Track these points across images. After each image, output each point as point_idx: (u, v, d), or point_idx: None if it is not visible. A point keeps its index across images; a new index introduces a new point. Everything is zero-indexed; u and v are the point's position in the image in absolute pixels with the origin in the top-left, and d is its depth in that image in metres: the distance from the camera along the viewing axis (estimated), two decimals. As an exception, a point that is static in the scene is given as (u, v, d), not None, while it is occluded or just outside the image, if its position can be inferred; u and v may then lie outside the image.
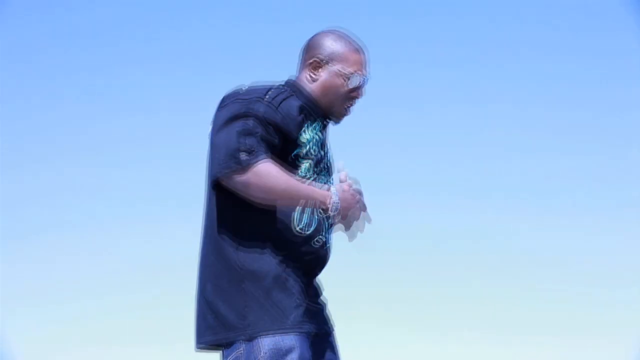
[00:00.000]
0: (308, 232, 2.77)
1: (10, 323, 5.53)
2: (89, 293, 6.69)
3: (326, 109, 2.87)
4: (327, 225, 2.83)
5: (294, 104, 2.78)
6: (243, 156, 2.64)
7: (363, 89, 2.87)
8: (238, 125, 2.68)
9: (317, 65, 2.86)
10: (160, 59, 7.30)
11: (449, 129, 7.40)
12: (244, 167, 2.63)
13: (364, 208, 2.80)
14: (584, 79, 7.25)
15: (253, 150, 2.64)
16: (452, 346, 6.53)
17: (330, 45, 2.86)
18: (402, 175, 7.22)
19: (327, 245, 2.84)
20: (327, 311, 2.91)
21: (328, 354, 2.86)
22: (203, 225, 2.84)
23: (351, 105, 2.88)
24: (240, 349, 2.69)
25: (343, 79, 2.85)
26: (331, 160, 2.94)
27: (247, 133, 2.67)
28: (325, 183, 2.84)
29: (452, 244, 7.05)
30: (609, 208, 7.00)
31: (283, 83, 2.87)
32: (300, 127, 2.77)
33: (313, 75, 2.87)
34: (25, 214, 6.88)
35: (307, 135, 2.79)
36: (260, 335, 2.66)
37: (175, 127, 7.03)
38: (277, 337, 2.66)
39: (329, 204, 2.70)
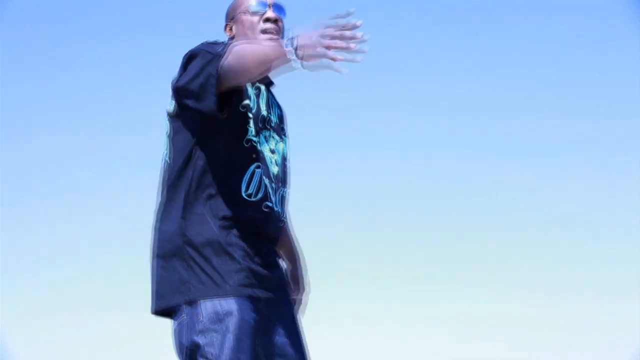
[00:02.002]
0: (256, 198, 2.75)
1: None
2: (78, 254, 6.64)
3: None
4: (274, 192, 2.82)
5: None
6: (218, 49, 2.65)
7: (267, 10, 2.92)
8: (202, 51, 2.69)
9: (229, 27, 2.98)
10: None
11: (452, 90, 7.31)
12: (225, 52, 2.62)
13: (340, 44, 2.47)
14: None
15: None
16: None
17: (230, 6, 3.00)
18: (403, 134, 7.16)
19: (276, 209, 2.82)
20: (285, 277, 2.90)
21: (284, 320, 2.82)
22: (160, 187, 2.85)
23: (269, 29, 2.90)
24: (184, 314, 2.69)
25: (248, 14, 2.93)
26: (281, 122, 2.95)
27: (214, 51, 2.66)
28: (275, 142, 2.86)
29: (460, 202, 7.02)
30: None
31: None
32: None
33: (231, 34, 2.96)
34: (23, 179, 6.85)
35: (245, 89, 2.80)
36: (200, 300, 2.66)
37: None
38: (215, 301, 2.65)
39: (287, 49, 2.52)
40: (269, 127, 2.86)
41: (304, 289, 3.08)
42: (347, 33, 2.43)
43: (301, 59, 2.48)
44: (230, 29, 2.96)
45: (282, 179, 2.88)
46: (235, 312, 2.64)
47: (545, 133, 7.23)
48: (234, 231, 2.71)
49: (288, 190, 2.93)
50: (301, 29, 2.50)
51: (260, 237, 2.78)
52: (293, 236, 3.11)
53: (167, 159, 2.81)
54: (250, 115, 2.78)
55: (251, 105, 2.79)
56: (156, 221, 2.80)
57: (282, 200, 2.87)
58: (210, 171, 2.73)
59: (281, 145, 2.91)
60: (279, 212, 2.84)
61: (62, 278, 6.55)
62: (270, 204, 2.79)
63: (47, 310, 6.29)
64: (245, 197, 2.73)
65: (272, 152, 2.85)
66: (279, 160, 2.88)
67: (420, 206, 6.98)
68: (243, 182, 2.74)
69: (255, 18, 2.90)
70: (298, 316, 2.93)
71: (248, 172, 2.75)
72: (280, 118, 2.96)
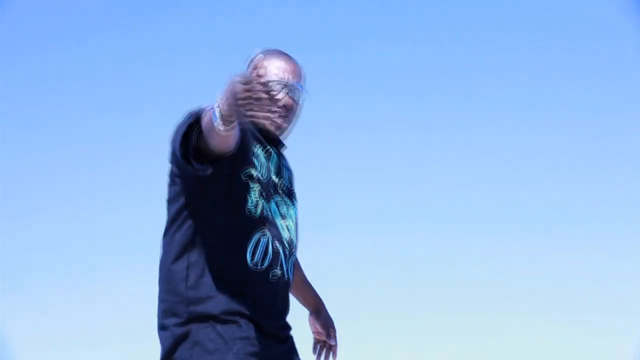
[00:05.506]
0: (262, 267, 2.68)
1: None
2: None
3: (260, 125, 2.75)
4: (283, 257, 2.74)
5: None
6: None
7: (280, 92, 2.77)
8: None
9: None
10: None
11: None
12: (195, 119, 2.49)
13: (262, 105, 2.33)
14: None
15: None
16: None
17: (250, 61, 2.85)
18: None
19: (286, 277, 2.76)
20: (290, 345, 2.82)
21: None
22: (161, 252, 2.76)
23: (278, 112, 2.73)
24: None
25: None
26: (291, 186, 2.90)
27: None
28: (287, 207, 2.81)
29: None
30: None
31: None
32: (250, 141, 2.70)
33: None
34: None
35: (257, 155, 2.73)
36: None
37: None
38: None
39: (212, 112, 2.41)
40: (280, 192, 2.81)
41: (335, 330, 3.09)
42: (257, 91, 2.30)
43: (224, 122, 2.37)
44: None
45: (295, 245, 2.82)
46: None
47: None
48: (243, 302, 2.64)
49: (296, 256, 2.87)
50: (222, 92, 2.37)
51: (270, 307, 2.72)
52: (309, 282, 3.10)
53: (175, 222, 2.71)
54: (253, 185, 2.69)
55: (257, 174, 2.71)
56: (160, 289, 2.73)
57: (294, 265, 2.82)
58: (209, 244, 2.66)
59: (292, 210, 2.85)
60: (288, 278, 2.76)
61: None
62: (278, 272, 2.72)
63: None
64: (252, 266, 2.65)
65: (284, 217, 2.79)
66: (291, 225, 2.82)
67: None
68: (247, 252, 2.65)
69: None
70: None
71: (251, 241, 2.67)
72: (291, 182, 2.91)
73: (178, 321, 2.65)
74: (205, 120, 2.44)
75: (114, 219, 6.85)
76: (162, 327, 2.69)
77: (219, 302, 2.63)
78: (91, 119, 7.14)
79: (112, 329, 6.31)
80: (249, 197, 2.68)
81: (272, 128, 2.78)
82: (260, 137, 2.77)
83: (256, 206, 2.69)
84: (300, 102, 2.85)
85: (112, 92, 7.21)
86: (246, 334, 2.64)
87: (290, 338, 2.84)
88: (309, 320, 3.14)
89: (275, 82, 2.77)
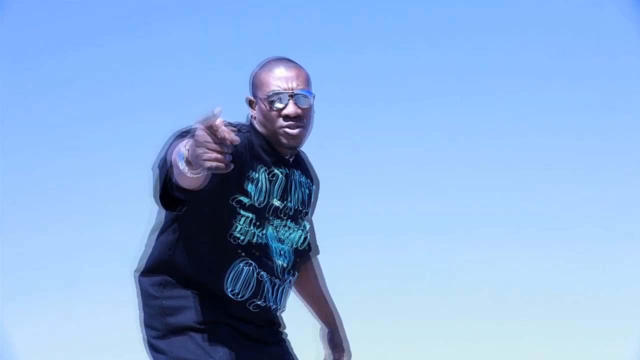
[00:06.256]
0: (242, 298, 2.63)
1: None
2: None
3: (273, 141, 2.72)
4: (269, 287, 2.68)
5: (242, 139, 2.52)
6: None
7: (288, 105, 2.68)
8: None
9: (252, 104, 2.76)
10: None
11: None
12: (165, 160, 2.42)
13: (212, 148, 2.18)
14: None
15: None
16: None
17: (253, 78, 2.76)
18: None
19: (272, 306, 2.70)
20: (284, 348, 2.77)
21: None
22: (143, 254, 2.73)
23: (290, 125, 2.68)
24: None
25: (266, 103, 2.69)
26: (301, 206, 2.82)
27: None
28: (288, 231, 2.75)
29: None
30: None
31: (244, 124, 2.74)
32: (247, 165, 2.63)
33: (253, 113, 2.75)
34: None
35: (255, 179, 2.65)
36: None
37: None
38: None
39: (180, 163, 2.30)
40: (281, 216, 2.72)
41: (349, 353, 3.00)
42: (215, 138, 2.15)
43: (190, 167, 2.27)
44: (253, 107, 2.75)
45: (289, 270, 2.75)
46: None
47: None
48: (220, 320, 2.61)
49: (294, 277, 2.79)
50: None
51: (249, 323, 2.67)
52: (329, 299, 3.01)
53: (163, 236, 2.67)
54: (243, 212, 2.62)
55: (249, 201, 2.62)
56: (138, 292, 2.71)
57: (284, 292, 2.74)
58: (190, 260, 2.60)
59: (295, 233, 2.78)
60: (275, 307, 2.71)
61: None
62: (261, 304, 2.66)
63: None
64: (231, 296, 2.60)
65: (282, 241, 2.73)
66: (288, 250, 2.75)
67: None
68: (226, 280, 2.59)
69: (274, 113, 2.67)
70: None
71: (232, 269, 2.61)
72: (302, 201, 2.81)
73: (157, 334, 2.63)
74: (173, 159, 2.33)
75: (117, 225, 6.86)
76: (144, 340, 2.67)
77: (196, 313, 2.60)
78: (94, 125, 7.16)
79: (115, 337, 6.32)
80: (235, 224, 2.61)
81: (287, 141, 2.69)
82: (265, 158, 2.70)
83: (244, 233, 2.62)
84: (310, 107, 2.72)
85: (114, 98, 7.23)
86: (227, 341, 2.60)
87: (283, 340, 2.79)
88: (319, 335, 3.05)
89: (279, 96, 2.67)
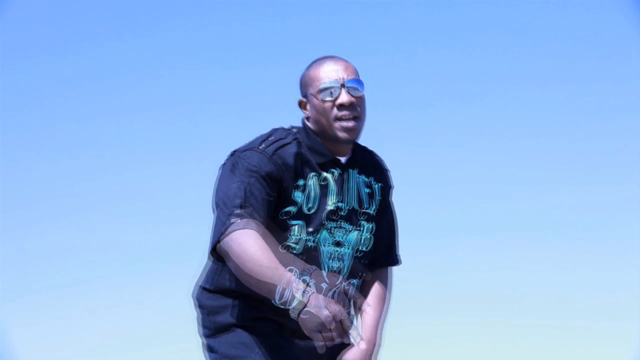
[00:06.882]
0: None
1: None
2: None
3: (329, 137, 2.73)
4: (325, 293, 2.57)
5: (290, 151, 2.68)
6: (228, 220, 2.52)
7: (341, 94, 2.70)
8: (227, 184, 2.60)
9: (303, 104, 2.79)
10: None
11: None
12: (225, 233, 2.51)
13: (340, 334, 2.36)
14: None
15: (236, 213, 2.53)
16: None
17: (302, 79, 2.79)
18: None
19: None
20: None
21: None
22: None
23: (344, 117, 2.70)
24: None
25: (318, 97, 2.71)
26: (360, 205, 2.80)
27: (234, 193, 2.57)
28: (344, 233, 2.74)
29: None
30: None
31: (296, 127, 2.80)
32: (296, 176, 2.67)
33: (306, 113, 2.78)
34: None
35: (304, 186, 2.69)
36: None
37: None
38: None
39: (287, 302, 2.41)
40: (336, 218, 2.72)
41: (369, 341, 2.80)
42: (345, 326, 2.33)
43: (298, 314, 2.36)
44: (305, 107, 2.78)
45: (348, 273, 2.75)
46: None
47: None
48: (264, 317, 2.67)
49: (358, 281, 2.80)
50: (316, 299, 2.37)
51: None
52: (373, 314, 2.87)
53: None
54: (293, 222, 2.65)
55: (295, 210, 2.66)
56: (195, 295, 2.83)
57: (343, 293, 2.62)
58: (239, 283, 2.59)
59: (355, 234, 2.77)
60: None
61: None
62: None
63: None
64: (278, 304, 2.47)
65: (339, 244, 2.74)
66: (347, 252, 2.76)
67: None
68: (277, 292, 2.45)
69: (328, 104, 2.70)
70: None
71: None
72: (360, 200, 2.81)
73: (208, 333, 2.74)
74: (256, 268, 2.45)
75: (121, 225, 6.87)
76: (201, 341, 2.77)
77: (241, 310, 2.68)
78: (96, 124, 7.16)
79: (117, 338, 6.33)
80: (289, 235, 2.65)
81: (344, 134, 2.71)
82: (316, 163, 2.72)
83: (297, 242, 2.66)
84: (362, 97, 2.74)
85: (114, 97, 7.23)
86: (271, 336, 2.66)
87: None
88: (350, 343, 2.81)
89: (331, 86, 2.70)
